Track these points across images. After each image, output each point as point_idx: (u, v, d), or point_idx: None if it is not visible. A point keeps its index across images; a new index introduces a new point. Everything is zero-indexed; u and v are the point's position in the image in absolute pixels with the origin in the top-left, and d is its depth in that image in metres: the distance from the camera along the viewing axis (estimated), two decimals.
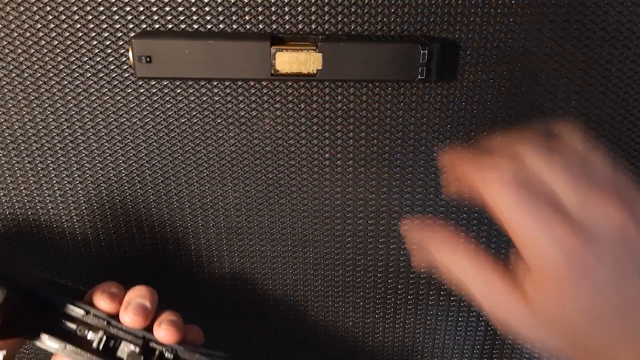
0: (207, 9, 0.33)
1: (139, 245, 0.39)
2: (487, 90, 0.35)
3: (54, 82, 0.34)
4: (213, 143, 0.36)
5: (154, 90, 0.34)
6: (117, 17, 0.33)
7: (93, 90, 0.34)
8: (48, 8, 0.32)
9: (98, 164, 0.36)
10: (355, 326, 0.42)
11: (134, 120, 0.35)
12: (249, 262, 0.39)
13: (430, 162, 0.36)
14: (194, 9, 0.33)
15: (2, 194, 0.37)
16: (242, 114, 0.35)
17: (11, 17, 0.33)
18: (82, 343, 0.30)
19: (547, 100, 0.35)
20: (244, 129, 0.35)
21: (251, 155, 0.36)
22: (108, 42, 0.33)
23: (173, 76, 0.32)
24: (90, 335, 0.30)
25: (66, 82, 0.34)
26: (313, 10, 0.33)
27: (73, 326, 0.30)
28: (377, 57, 0.31)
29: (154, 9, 0.33)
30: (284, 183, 0.37)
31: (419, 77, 0.31)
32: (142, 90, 0.34)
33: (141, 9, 0.33)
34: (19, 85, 0.34)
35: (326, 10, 0.33)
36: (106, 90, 0.34)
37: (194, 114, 0.35)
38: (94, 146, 0.36)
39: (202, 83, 0.34)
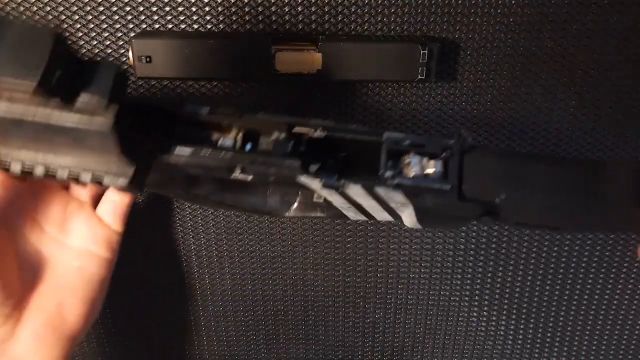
0: (207, 9, 0.33)
1: (139, 245, 0.39)
2: (487, 90, 0.35)
3: None
4: None
5: (154, 90, 0.34)
6: (117, 17, 0.33)
7: None
8: (48, 8, 0.32)
9: None
10: (355, 326, 0.42)
11: None
12: (249, 262, 0.39)
13: None
14: (194, 9, 0.33)
15: None
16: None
17: (11, 17, 0.33)
18: (217, 145, 0.26)
19: (547, 100, 0.35)
20: None
21: None
22: (108, 42, 0.33)
23: (173, 76, 0.32)
24: (222, 140, 0.26)
25: None
26: (313, 10, 0.33)
27: (201, 131, 0.26)
28: (377, 57, 0.31)
29: (154, 9, 0.33)
30: None
31: (419, 77, 0.31)
32: (142, 90, 0.34)
33: (141, 9, 0.33)
34: None
35: (326, 10, 0.33)
36: None
37: None
38: None
39: (202, 83, 0.34)
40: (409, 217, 0.26)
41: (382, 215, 0.27)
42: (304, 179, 0.25)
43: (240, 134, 0.26)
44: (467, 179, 0.25)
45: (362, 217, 0.28)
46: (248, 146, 0.26)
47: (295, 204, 0.28)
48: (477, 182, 0.25)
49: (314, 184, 0.25)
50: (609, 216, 0.24)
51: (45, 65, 0.20)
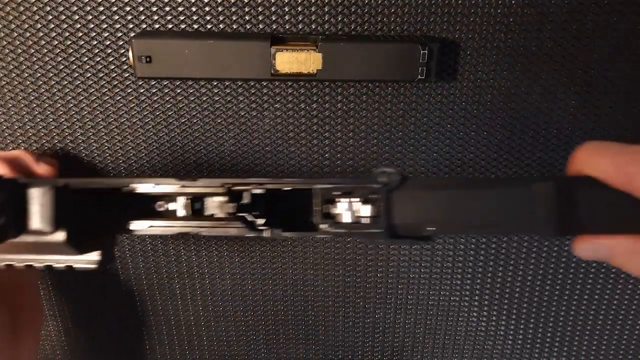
0: (207, 9, 0.33)
1: (139, 245, 0.39)
2: (487, 90, 0.35)
3: (54, 82, 0.34)
4: (213, 143, 0.36)
5: (154, 90, 0.34)
6: (117, 17, 0.33)
7: (93, 90, 0.34)
8: (48, 8, 0.32)
9: (98, 164, 0.36)
10: (355, 326, 0.42)
11: (134, 120, 0.35)
12: (249, 262, 0.39)
13: (430, 162, 0.36)
14: (194, 9, 0.33)
15: None
16: (242, 114, 0.35)
17: (11, 17, 0.33)
18: (168, 215, 0.28)
19: (547, 100, 0.35)
20: (244, 129, 0.35)
21: (251, 155, 0.36)
22: (108, 42, 0.33)
23: (173, 76, 0.32)
24: (171, 205, 0.28)
25: (66, 82, 0.34)
26: (313, 10, 0.33)
27: (149, 204, 0.28)
28: (377, 57, 0.31)
29: (154, 9, 0.33)
30: None
31: (419, 77, 0.31)
32: (142, 90, 0.34)
33: (141, 9, 0.33)
34: (19, 85, 0.34)
35: (326, 10, 0.33)
36: (106, 90, 0.34)
37: (194, 114, 0.35)
38: (94, 146, 0.36)
39: (202, 83, 0.34)
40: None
41: None
42: (250, 234, 0.27)
43: (188, 201, 0.28)
44: (397, 216, 0.27)
45: None
46: (196, 205, 0.28)
47: None
48: (406, 219, 0.27)
49: (260, 234, 0.28)
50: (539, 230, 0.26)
51: None
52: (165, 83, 0.34)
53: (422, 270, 0.39)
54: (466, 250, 0.39)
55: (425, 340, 0.42)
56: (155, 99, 0.35)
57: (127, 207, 0.29)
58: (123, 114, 0.35)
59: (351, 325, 0.42)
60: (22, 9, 0.33)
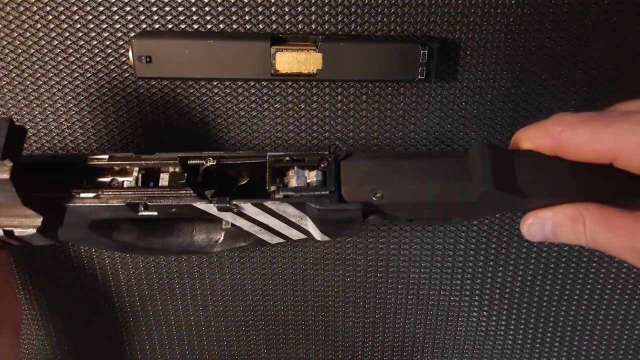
0: (207, 9, 0.33)
1: None
2: (487, 90, 0.35)
3: (54, 82, 0.34)
4: (213, 143, 0.36)
5: (154, 90, 0.34)
6: (117, 17, 0.33)
7: (93, 90, 0.34)
8: (48, 8, 0.32)
9: None
10: (355, 326, 0.42)
11: (134, 120, 0.35)
12: (249, 262, 0.39)
13: None
14: (194, 9, 0.33)
15: None
16: (242, 114, 0.35)
17: (11, 17, 0.33)
18: (119, 188, 0.28)
19: (547, 100, 0.35)
20: (244, 129, 0.35)
21: None
22: (108, 42, 0.33)
23: (173, 76, 0.32)
24: (125, 182, 0.28)
25: (66, 82, 0.34)
26: (313, 10, 0.33)
27: (103, 178, 0.28)
28: (377, 57, 0.31)
29: (154, 9, 0.33)
30: None
31: (419, 77, 0.31)
32: (142, 90, 0.34)
33: (141, 9, 0.33)
34: (19, 85, 0.34)
35: (326, 10, 0.33)
36: (106, 90, 0.34)
37: (194, 114, 0.35)
38: (94, 146, 0.36)
39: (202, 83, 0.34)
40: (314, 230, 0.29)
41: (292, 233, 0.30)
42: (200, 206, 0.27)
43: (140, 174, 0.28)
44: (345, 182, 0.27)
45: (279, 239, 0.30)
46: (151, 184, 0.28)
47: (221, 239, 0.31)
48: (354, 184, 0.27)
49: (211, 209, 0.27)
50: (479, 199, 0.26)
51: None
52: (165, 83, 0.34)
53: (422, 270, 0.39)
54: (466, 250, 0.39)
55: (425, 340, 0.42)
56: (155, 99, 0.35)
57: (79, 183, 0.28)
58: (123, 114, 0.35)
59: (351, 325, 0.42)
60: (22, 9, 0.33)
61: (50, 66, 0.34)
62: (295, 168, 0.28)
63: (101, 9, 0.33)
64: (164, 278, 0.40)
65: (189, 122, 0.35)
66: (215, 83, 0.34)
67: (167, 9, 0.33)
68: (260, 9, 0.33)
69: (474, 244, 0.39)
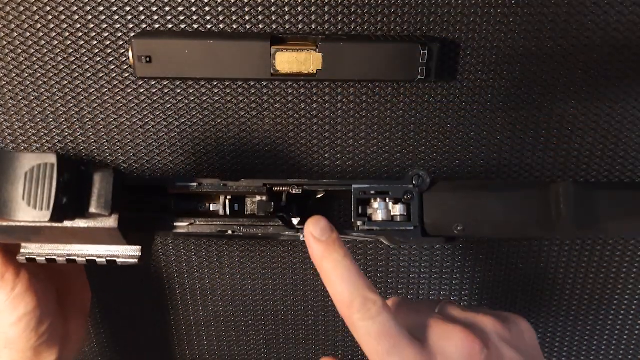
0: (207, 9, 0.33)
1: None
2: (487, 90, 0.35)
3: (54, 82, 0.34)
4: (213, 143, 0.36)
5: (154, 90, 0.34)
6: (117, 17, 0.33)
7: (93, 90, 0.34)
8: (48, 8, 0.32)
9: (98, 164, 0.36)
10: None
11: (134, 120, 0.35)
12: (249, 262, 0.39)
13: (429, 163, 0.36)
14: (194, 9, 0.33)
15: None
16: (242, 114, 0.35)
17: (11, 17, 0.33)
18: (208, 215, 0.29)
19: (547, 100, 0.35)
20: (244, 129, 0.35)
21: (251, 155, 0.36)
22: (108, 42, 0.33)
23: (173, 76, 0.32)
24: (212, 206, 0.30)
25: (66, 82, 0.34)
26: (313, 10, 0.33)
27: (193, 202, 0.30)
28: (377, 57, 0.31)
29: (154, 9, 0.33)
30: None
31: (419, 77, 0.31)
32: (142, 90, 0.34)
33: (141, 9, 0.33)
34: (19, 85, 0.34)
35: (326, 10, 0.33)
36: (106, 90, 0.34)
37: (194, 114, 0.35)
38: (94, 146, 0.36)
39: (202, 83, 0.34)
40: (385, 241, 0.31)
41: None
42: (287, 235, 0.29)
43: (227, 200, 0.30)
44: (428, 216, 0.28)
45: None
46: (236, 207, 0.30)
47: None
48: (436, 218, 0.28)
49: (296, 236, 0.29)
50: (559, 234, 0.28)
51: (54, 201, 0.23)
52: (165, 83, 0.34)
53: (422, 270, 0.39)
54: (466, 250, 0.39)
55: None
56: (155, 99, 0.35)
57: (168, 207, 0.30)
58: (123, 114, 0.35)
59: None
60: (22, 9, 0.33)
61: (50, 66, 0.34)
62: (379, 200, 0.29)
63: (101, 9, 0.32)
64: (163, 278, 0.40)
65: (188, 122, 0.35)
66: (215, 83, 0.34)
67: (167, 9, 0.33)
68: (260, 9, 0.33)
69: (474, 243, 0.39)
